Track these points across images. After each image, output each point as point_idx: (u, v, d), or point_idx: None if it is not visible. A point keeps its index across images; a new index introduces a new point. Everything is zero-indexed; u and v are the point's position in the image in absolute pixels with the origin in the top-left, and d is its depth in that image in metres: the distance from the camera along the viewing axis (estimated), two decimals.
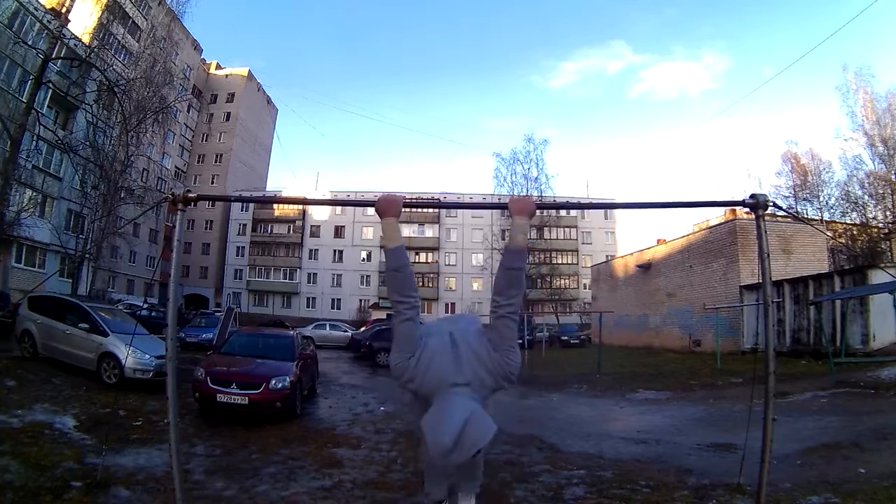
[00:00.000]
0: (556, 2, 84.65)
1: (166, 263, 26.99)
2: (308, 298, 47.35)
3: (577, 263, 46.67)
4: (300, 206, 48.46)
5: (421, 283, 44.43)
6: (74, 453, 5.06)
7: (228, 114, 49.40)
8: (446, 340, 2.22)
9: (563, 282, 46.48)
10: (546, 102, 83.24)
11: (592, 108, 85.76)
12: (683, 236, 23.98)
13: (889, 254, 26.47)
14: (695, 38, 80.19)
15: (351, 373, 14.78)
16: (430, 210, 45.73)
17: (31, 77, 17.48)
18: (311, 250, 48.46)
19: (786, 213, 23.50)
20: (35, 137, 18.92)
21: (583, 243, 48.18)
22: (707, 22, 79.63)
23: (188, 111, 45.57)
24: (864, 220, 29.29)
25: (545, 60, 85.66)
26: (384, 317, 33.48)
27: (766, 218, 1.96)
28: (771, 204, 1.97)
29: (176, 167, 44.25)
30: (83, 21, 21.23)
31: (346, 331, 25.80)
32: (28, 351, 9.43)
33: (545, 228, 44.57)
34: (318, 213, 48.88)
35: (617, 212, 49.56)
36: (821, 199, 32.25)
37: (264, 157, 55.88)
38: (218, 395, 7.27)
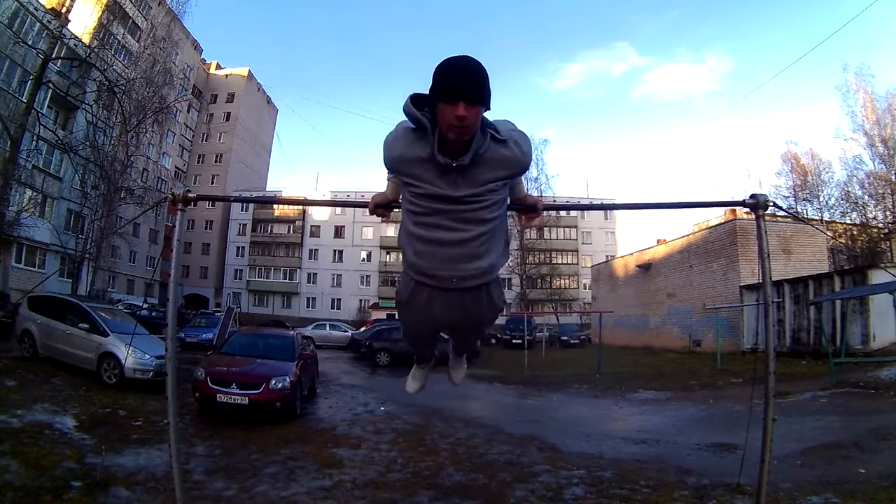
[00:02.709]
0: (560, 4, 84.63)
1: (166, 263, 27.01)
2: (308, 298, 47.33)
3: (577, 263, 46.65)
4: (300, 207, 48.50)
5: None
6: (74, 453, 5.06)
7: (228, 114, 49.38)
8: None
9: (563, 282, 46.46)
10: (549, 103, 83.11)
11: (594, 110, 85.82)
12: (683, 236, 23.98)
13: (889, 254, 26.44)
14: (698, 40, 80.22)
15: (351, 373, 14.78)
16: None
17: (31, 77, 17.49)
18: (311, 250, 48.44)
19: (786, 213, 23.50)
20: (35, 137, 18.91)
21: (583, 243, 48.16)
22: (710, 23, 79.66)
23: (188, 111, 45.55)
24: (864, 220, 29.26)
25: (549, 62, 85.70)
26: (384, 317, 33.48)
27: (766, 218, 1.96)
28: (771, 204, 1.96)
29: (176, 167, 44.24)
30: (83, 21, 21.24)
31: (346, 331, 25.80)
32: (28, 351, 9.43)
33: (545, 228, 44.56)
34: (318, 213, 48.86)
35: (617, 212, 49.61)
36: (821, 199, 32.24)
37: (264, 157, 55.87)
38: (218, 395, 7.27)
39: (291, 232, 48.68)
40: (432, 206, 1.67)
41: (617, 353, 19.88)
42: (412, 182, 1.67)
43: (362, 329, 24.80)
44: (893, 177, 27.07)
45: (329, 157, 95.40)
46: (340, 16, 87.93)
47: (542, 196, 39.51)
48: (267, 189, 52.41)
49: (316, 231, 48.91)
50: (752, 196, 1.95)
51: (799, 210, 31.46)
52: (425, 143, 1.59)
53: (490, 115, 1.62)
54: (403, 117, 1.64)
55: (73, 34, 19.70)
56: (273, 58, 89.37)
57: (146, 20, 31.32)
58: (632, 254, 28.56)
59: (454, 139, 1.54)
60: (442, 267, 1.76)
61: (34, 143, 20.03)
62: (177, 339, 2.17)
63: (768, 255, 1.93)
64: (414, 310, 1.96)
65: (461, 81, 1.47)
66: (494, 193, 1.67)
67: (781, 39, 75.67)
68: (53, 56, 16.38)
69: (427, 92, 1.55)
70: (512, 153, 1.64)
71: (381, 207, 1.92)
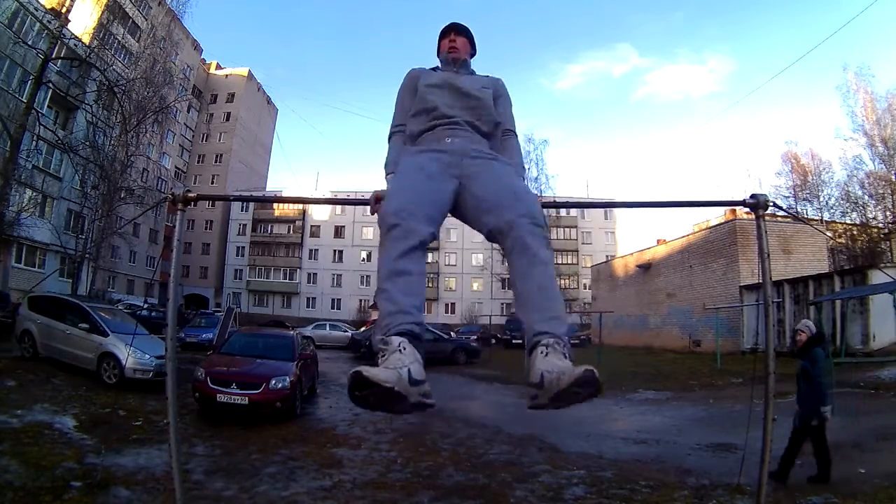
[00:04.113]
0: (562, 4, 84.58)
1: (166, 263, 27.02)
2: (308, 298, 47.32)
3: (577, 263, 46.67)
4: (300, 206, 48.52)
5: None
6: (74, 453, 5.06)
7: (228, 114, 49.37)
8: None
9: (563, 282, 46.42)
10: (551, 104, 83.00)
11: (596, 110, 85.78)
12: (683, 236, 23.99)
13: (889, 254, 26.45)
14: (699, 41, 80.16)
15: None
16: None
17: (31, 77, 17.47)
18: (311, 250, 48.43)
19: (786, 213, 23.50)
20: (35, 137, 18.89)
21: (583, 243, 48.18)
22: (711, 24, 79.61)
23: (188, 111, 45.55)
24: (864, 220, 29.24)
25: (552, 63, 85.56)
26: None
27: (766, 218, 1.95)
28: (771, 204, 1.95)
29: (176, 167, 44.23)
30: (83, 21, 21.23)
31: (346, 331, 25.79)
32: (28, 351, 9.43)
33: None
34: (318, 213, 48.88)
35: (617, 212, 49.55)
36: (821, 199, 32.21)
37: (264, 157, 55.86)
38: (218, 395, 7.27)
39: (291, 232, 48.67)
40: (437, 96, 1.90)
41: (617, 354, 19.88)
42: (423, 84, 1.96)
43: (362, 329, 24.78)
44: (893, 177, 27.05)
45: (329, 157, 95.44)
46: (340, 16, 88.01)
47: (541, 196, 39.56)
48: (267, 189, 52.37)
49: (316, 231, 48.90)
50: (752, 196, 1.94)
51: (799, 210, 31.44)
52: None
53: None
54: None
55: (73, 34, 19.69)
56: (273, 58, 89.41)
57: (146, 20, 31.31)
58: (632, 254, 28.58)
59: (451, 59, 2.06)
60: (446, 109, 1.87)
61: (34, 143, 20.00)
62: (177, 339, 2.16)
63: (768, 255, 1.93)
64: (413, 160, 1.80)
65: (450, 24, 2.15)
66: (487, 93, 1.97)
67: (782, 40, 75.75)
68: (53, 56, 16.36)
69: None
70: (489, 78, 2.09)
71: (382, 200, 1.89)
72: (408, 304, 1.46)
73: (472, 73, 2.13)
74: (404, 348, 1.35)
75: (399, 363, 1.30)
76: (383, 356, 1.35)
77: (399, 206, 1.59)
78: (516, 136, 2.10)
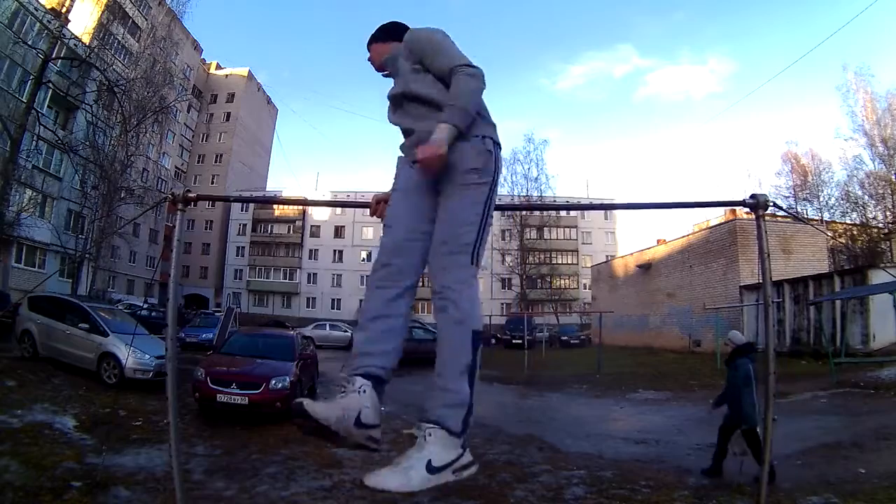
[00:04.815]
0: (563, 5, 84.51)
1: (166, 263, 26.98)
2: (308, 298, 47.30)
3: (577, 263, 46.60)
4: (300, 207, 48.49)
5: (420, 283, 44.30)
6: (74, 453, 5.06)
7: (228, 114, 49.36)
8: None
9: (563, 282, 46.43)
10: (552, 104, 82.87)
11: (596, 111, 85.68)
12: (683, 236, 23.98)
13: (889, 254, 26.43)
14: (700, 42, 79.97)
15: None
16: None
17: (31, 77, 17.49)
18: (311, 250, 48.43)
19: (786, 213, 23.50)
20: (35, 137, 18.91)
21: (583, 243, 48.12)
22: (712, 25, 79.46)
23: (188, 111, 45.53)
24: (864, 220, 29.24)
25: (553, 63, 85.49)
26: None
27: (766, 218, 1.95)
28: (771, 204, 1.95)
29: (176, 167, 44.23)
30: (83, 21, 21.28)
31: (346, 331, 25.76)
32: (28, 351, 9.42)
33: (545, 228, 44.55)
34: (318, 214, 48.87)
35: (617, 212, 49.56)
36: (821, 199, 32.22)
37: (264, 157, 55.86)
38: (218, 395, 7.27)
39: (291, 232, 48.67)
40: (391, 120, 1.88)
41: (617, 353, 19.88)
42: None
43: None
44: (893, 177, 27.06)
45: (329, 157, 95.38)
46: (340, 16, 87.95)
47: (541, 197, 39.48)
48: (267, 189, 52.35)
49: (316, 231, 48.90)
50: (752, 196, 1.94)
51: (799, 210, 31.44)
52: None
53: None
54: None
55: (73, 34, 19.72)
56: (273, 58, 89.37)
57: (146, 20, 31.30)
58: (632, 254, 28.55)
59: (378, 71, 2.00)
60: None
61: (34, 143, 20.02)
62: (177, 339, 2.16)
63: (768, 255, 1.92)
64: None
65: None
66: (416, 75, 1.80)
67: (782, 40, 75.65)
68: (53, 56, 16.37)
69: None
70: (402, 46, 1.88)
71: (382, 203, 1.91)
72: (380, 349, 1.58)
73: (396, 58, 1.87)
74: (364, 391, 1.49)
75: (352, 405, 1.46)
76: (343, 393, 1.49)
77: (393, 244, 1.69)
78: (460, 70, 1.66)
